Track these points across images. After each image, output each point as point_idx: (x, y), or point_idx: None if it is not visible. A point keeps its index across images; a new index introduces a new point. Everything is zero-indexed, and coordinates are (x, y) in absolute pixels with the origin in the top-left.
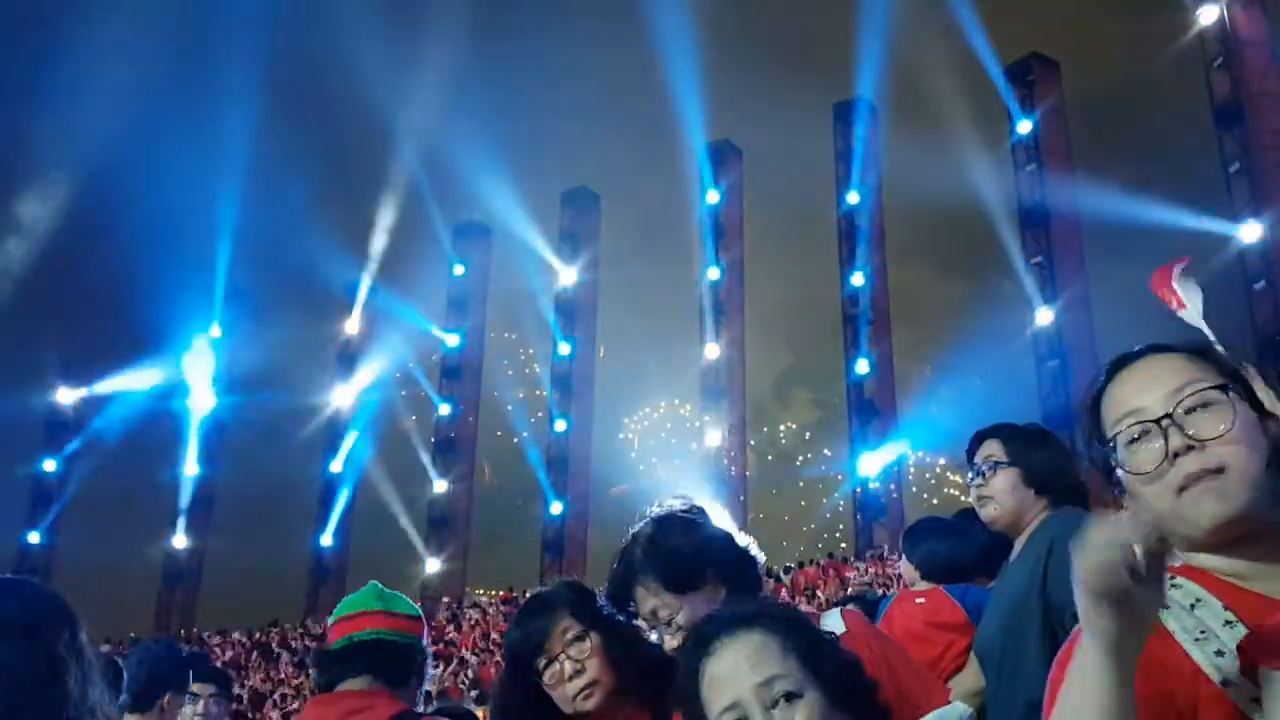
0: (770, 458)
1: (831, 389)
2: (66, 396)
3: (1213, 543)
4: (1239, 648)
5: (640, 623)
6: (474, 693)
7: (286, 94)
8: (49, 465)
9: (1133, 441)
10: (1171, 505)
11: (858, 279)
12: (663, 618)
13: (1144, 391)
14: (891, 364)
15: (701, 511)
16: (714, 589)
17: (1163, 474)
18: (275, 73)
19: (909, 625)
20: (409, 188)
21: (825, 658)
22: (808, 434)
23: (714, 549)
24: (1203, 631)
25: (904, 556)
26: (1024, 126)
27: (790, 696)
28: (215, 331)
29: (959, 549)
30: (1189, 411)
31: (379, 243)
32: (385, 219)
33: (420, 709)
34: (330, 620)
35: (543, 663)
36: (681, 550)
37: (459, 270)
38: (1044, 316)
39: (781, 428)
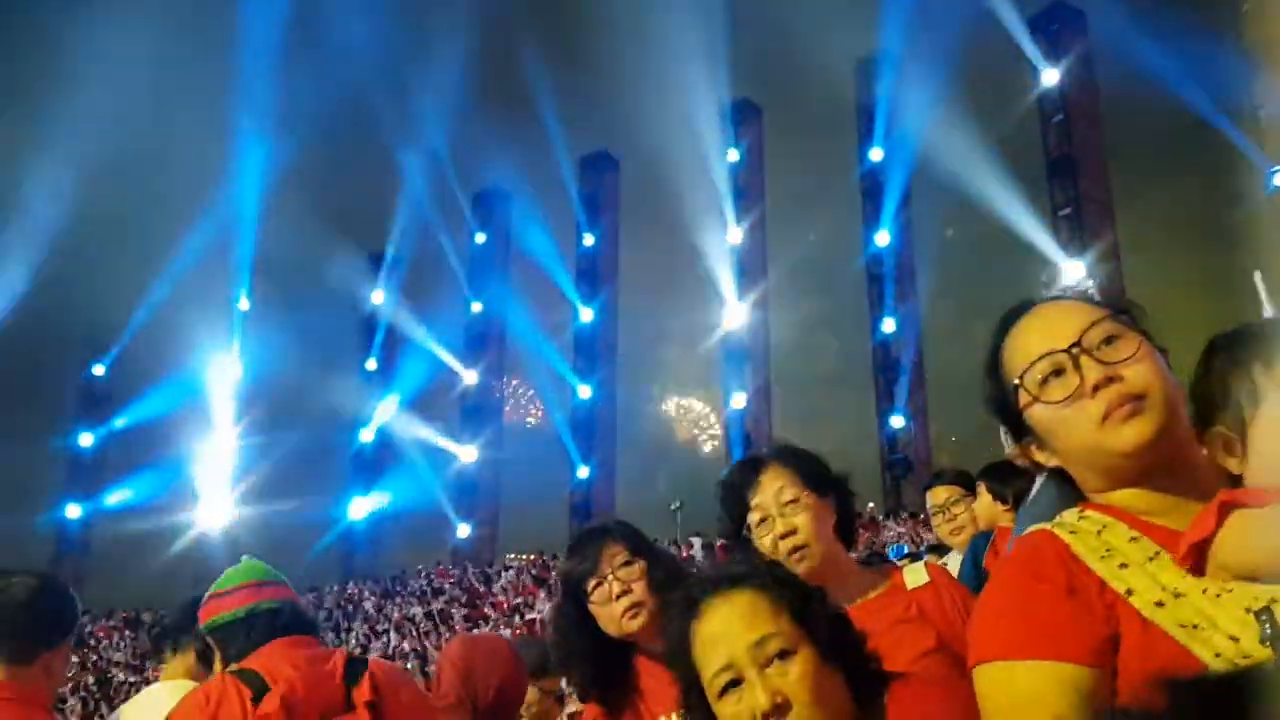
0: (792, 419)
1: (858, 349)
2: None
3: (1129, 472)
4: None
5: (750, 520)
6: None
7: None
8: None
9: (1044, 381)
10: (1094, 435)
11: (882, 238)
12: (785, 498)
13: (1048, 336)
14: (918, 322)
15: None
16: (830, 506)
17: (1083, 403)
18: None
19: None
20: (428, 155)
21: (816, 614)
22: (833, 395)
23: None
24: (1108, 550)
25: (991, 494)
26: (1049, 76)
27: (784, 654)
28: None
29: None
30: (1098, 345)
31: (400, 214)
32: (404, 191)
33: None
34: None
35: (592, 584)
36: (815, 457)
37: (480, 238)
38: (1072, 270)
39: (807, 389)
